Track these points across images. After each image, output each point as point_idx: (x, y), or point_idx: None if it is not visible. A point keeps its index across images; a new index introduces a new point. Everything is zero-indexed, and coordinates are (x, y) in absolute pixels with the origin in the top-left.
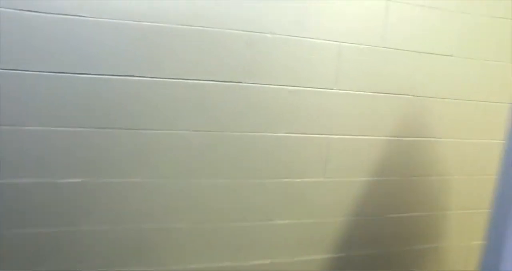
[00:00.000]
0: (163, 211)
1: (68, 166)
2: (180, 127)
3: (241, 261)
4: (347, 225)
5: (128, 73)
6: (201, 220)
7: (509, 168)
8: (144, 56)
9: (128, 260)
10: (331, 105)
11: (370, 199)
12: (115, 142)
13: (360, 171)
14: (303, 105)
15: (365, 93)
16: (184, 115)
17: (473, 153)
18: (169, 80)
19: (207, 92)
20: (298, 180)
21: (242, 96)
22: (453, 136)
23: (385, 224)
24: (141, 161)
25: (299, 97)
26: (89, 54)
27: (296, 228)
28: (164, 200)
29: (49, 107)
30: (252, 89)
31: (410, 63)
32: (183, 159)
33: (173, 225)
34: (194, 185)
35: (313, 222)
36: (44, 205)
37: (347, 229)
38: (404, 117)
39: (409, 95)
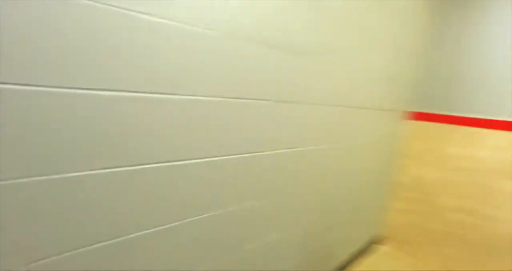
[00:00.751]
0: None
1: None
2: None
3: None
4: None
5: None
6: None
7: None
8: None
9: None
10: (168, 119)
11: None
12: None
13: (207, 205)
14: (124, 121)
15: (215, 99)
16: None
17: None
18: None
19: None
20: (123, 238)
21: (24, 108)
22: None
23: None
24: None
25: (121, 107)
26: None
27: None
28: None
29: None
30: (45, 98)
31: (260, 60)
32: None
33: None
34: None
35: None
36: None
37: None
38: (262, 128)
39: (271, 100)
